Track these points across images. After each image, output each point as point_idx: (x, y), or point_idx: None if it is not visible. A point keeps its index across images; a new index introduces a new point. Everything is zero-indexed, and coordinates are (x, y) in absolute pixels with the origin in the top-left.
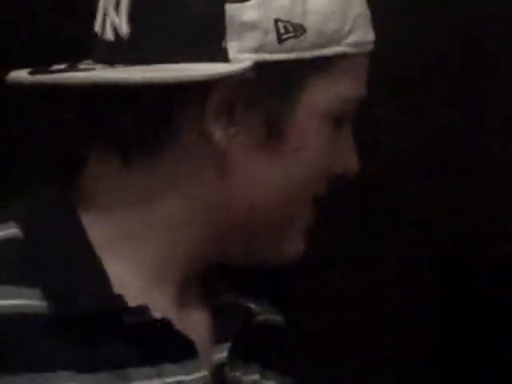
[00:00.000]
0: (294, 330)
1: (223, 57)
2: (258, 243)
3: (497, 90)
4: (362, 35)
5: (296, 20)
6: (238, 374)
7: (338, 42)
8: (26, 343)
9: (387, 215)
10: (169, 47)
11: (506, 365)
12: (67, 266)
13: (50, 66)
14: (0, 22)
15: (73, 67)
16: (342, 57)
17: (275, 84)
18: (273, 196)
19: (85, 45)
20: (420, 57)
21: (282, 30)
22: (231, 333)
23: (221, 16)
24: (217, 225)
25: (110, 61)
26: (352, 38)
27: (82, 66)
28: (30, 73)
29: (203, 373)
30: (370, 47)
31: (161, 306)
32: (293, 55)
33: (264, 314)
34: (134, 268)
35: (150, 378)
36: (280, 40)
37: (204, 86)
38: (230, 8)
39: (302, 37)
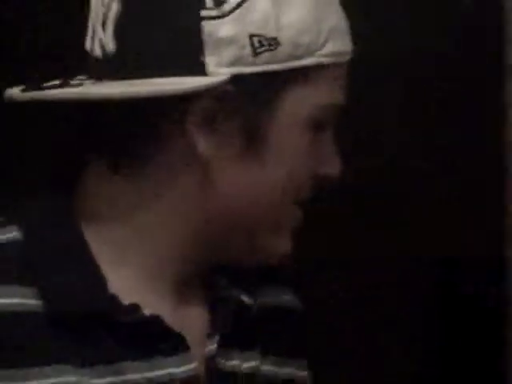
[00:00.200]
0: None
1: (203, 71)
2: (245, 243)
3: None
4: (337, 46)
5: (270, 34)
6: (235, 362)
7: (312, 54)
8: (20, 340)
9: (387, 215)
10: (152, 63)
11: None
12: (64, 267)
13: (47, 80)
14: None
15: (65, 83)
16: (317, 67)
17: (253, 94)
18: (256, 200)
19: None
20: (420, 57)
21: (257, 44)
22: (220, 325)
23: (199, 33)
24: (204, 227)
25: (99, 76)
26: (327, 49)
27: (73, 82)
28: (23, 90)
29: (193, 365)
30: (346, 57)
31: (155, 303)
32: (268, 67)
33: (263, 299)
34: (128, 269)
35: (142, 371)
36: (255, 53)
37: (186, 99)
38: (207, 25)
39: (277, 50)
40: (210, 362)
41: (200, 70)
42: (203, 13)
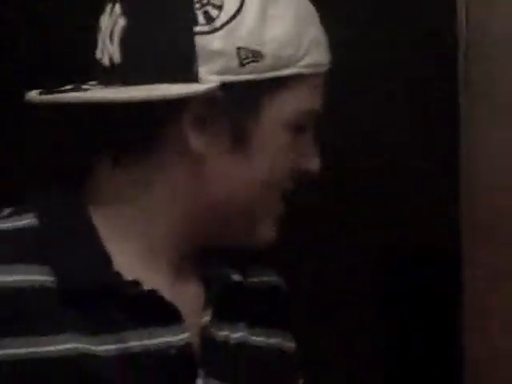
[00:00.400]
0: None
1: (196, 79)
2: (233, 227)
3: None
4: (316, 58)
5: (255, 48)
6: (225, 333)
7: (293, 65)
8: (37, 311)
9: (387, 215)
10: (152, 71)
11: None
12: (74, 248)
13: (62, 84)
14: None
15: (77, 87)
16: (298, 76)
17: (239, 99)
18: (243, 190)
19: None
20: (420, 57)
21: (244, 56)
22: (213, 299)
23: (193, 46)
24: (197, 213)
25: (108, 82)
26: (306, 61)
27: (84, 86)
28: (40, 93)
29: (187, 334)
30: (324, 68)
31: (154, 280)
32: (253, 76)
33: (251, 278)
34: (131, 249)
35: (142, 338)
36: (242, 64)
37: (181, 103)
38: (199, 39)
39: (261, 61)
40: (204, 332)
41: (193, 77)
42: (196, 29)
